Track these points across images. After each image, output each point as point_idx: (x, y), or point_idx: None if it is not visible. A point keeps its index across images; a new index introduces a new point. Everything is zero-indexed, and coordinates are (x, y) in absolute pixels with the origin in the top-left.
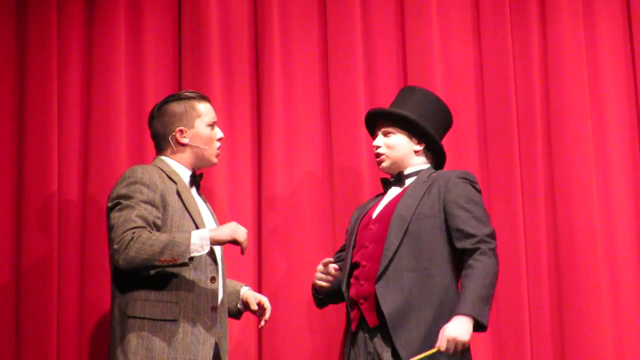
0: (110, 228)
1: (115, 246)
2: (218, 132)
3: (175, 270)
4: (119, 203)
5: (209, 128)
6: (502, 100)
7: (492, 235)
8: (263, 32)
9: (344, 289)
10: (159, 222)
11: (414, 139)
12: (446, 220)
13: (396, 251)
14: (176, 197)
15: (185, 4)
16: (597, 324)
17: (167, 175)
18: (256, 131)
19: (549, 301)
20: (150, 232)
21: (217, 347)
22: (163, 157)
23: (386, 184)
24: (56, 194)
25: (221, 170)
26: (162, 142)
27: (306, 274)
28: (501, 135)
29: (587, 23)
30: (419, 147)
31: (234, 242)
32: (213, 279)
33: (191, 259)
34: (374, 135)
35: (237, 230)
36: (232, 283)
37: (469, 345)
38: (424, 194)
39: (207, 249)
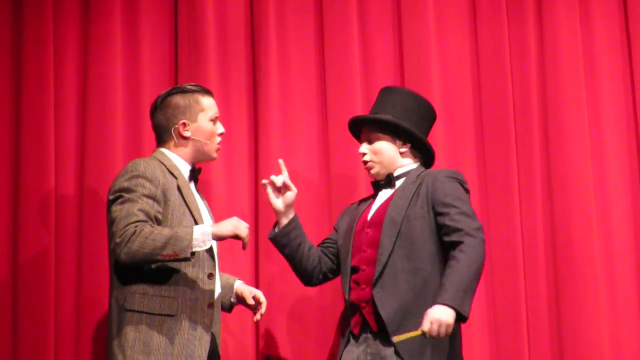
0: (111, 221)
1: (117, 240)
2: (220, 127)
3: (174, 265)
4: (121, 196)
5: (211, 123)
6: (499, 95)
7: (479, 229)
8: (259, 26)
9: (346, 294)
10: (160, 216)
11: (397, 141)
12: (436, 219)
13: (390, 255)
14: (177, 192)
15: None
16: (593, 316)
17: (167, 169)
18: (253, 125)
19: (546, 294)
20: (152, 227)
21: (214, 343)
22: (163, 150)
23: (377, 187)
24: (53, 188)
25: (218, 164)
26: (164, 135)
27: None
28: (498, 130)
29: (584, 16)
30: (405, 149)
31: (236, 237)
32: (210, 276)
33: (193, 254)
34: (360, 141)
35: (239, 226)
36: (225, 277)
37: (460, 336)
38: (414, 194)
39: (209, 244)
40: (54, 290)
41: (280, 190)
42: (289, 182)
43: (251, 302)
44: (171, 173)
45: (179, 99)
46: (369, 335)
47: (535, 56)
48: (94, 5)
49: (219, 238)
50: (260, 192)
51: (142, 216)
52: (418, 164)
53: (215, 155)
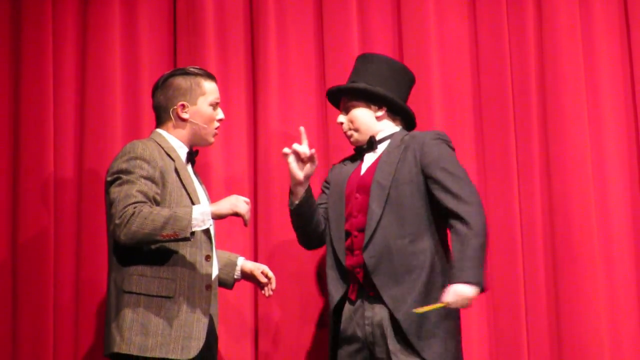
0: (110, 202)
1: (117, 221)
2: (219, 113)
3: (172, 247)
4: (119, 178)
5: (211, 107)
6: (498, 76)
7: (473, 193)
8: (258, 8)
9: (341, 259)
10: (158, 198)
11: (372, 106)
12: (426, 184)
13: (379, 220)
14: (174, 174)
15: None
16: (591, 299)
17: (165, 151)
18: (252, 107)
19: (544, 276)
20: (151, 207)
21: (212, 325)
22: (161, 131)
23: (360, 152)
24: (52, 170)
25: (217, 146)
26: (162, 115)
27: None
28: (496, 111)
29: None
30: (381, 112)
31: (236, 214)
32: (208, 257)
33: (192, 233)
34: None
35: (238, 204)
36: (226, 254)
37: (458, 311)
38: (400, 159)
39: (208, 224)
40: (53, 271)
41: (304, 160)
42: (313, 154)
43: (263, 279)
44: (169, 155)
45: (180, 81)
46: (365, 300)
47: (533, 37)
48: None
49: (218, 217)
50: (259, 172)
51: (141, 197)
52: (400, 127)
53: (212, 140)
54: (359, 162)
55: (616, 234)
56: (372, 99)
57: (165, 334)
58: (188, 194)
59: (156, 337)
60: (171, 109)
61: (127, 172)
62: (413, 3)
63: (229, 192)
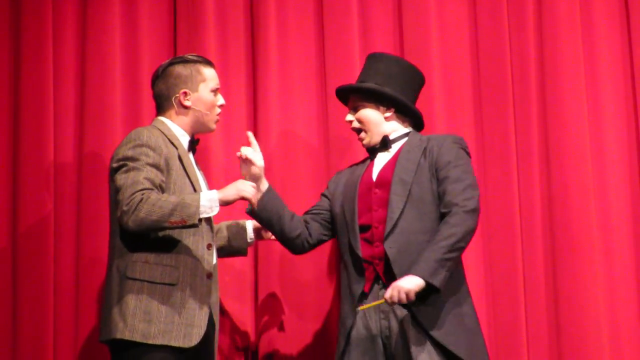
0: (117, 189)
1: (125, 208)
2: (220, 99)
3: (175, 235)
4: (125, 165)
5: (212, 94)
6: (497, 62)
7: (470, 199)
8: None
9: (357, 251)
10: (164, 185)
11: (381, 107)
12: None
13: (401, 214)
14: (178, 162)
15: None
16: (590, 284)
17: (168, 139)
18: (252, 94)
19: (543, 261)
20: (159, 194)
21: (211, 313)
22: (163, 119)
23: (373, 152)
24: (52, 155)
25: (217, 132)
26: (164, 104)
27: None
28: (496, 98)
29: None
30: (389, 113)
31: (242, 199)
32: (209, 246)
33: (200, 220)
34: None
35: (244, 188)
36: (233, 222)
37: (470, 300)
38: (421, 157)
39: (216, 211)
40: (54, 258)
41: (245, 162)
42: (251, 156)
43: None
44: (172, 143)
45: (180, 69)
46: (380, 292)
47: (533, 23)
48: None
49: (226, 203)
50: None
51: (148, 184)
52: (410, 128)
53: (214, 126)
54: (369, 162)
55: (615, 223)
56: (381, 100)
57: (168, 321)
58: (191, 183)
59: (159, 324)
60: (173, 97)
61: (133, 159)
62: None
63: (227, 181)
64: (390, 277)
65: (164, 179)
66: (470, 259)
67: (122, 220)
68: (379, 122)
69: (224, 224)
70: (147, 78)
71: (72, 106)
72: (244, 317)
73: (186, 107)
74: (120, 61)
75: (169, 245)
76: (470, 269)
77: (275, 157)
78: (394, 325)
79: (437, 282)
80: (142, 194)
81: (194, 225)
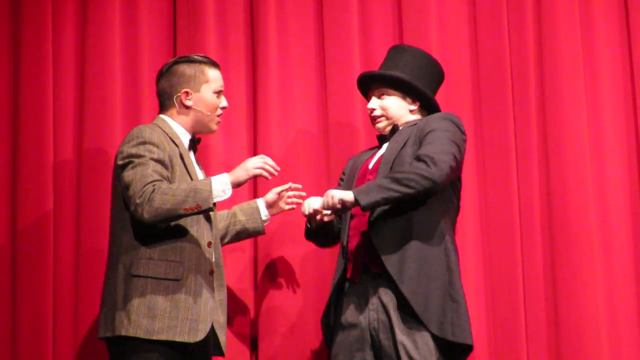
0: (126, 186)
1: (138, 200)
2: (223, 101)
3: (178, 231)
4: (131, 162)
5: (214, 95)
6: (497, 62)
7: (433, 159)
8: None
9: (344, 241)
10: (169, 180)
11: (408, 99)
12: None
13: None
14: (179, 160)
15: None
16: (589, 280)
17: (169, 137)
18: (251, 89)
19: (542, 257)
20: (169, 184)
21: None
22: (164, 117)
23: (382, 140)
24: (52, 155)
25: (217, 133)
26: (166, 102)
27: (301, 230)
28: (495, 97)
29: None
30: (414, 107)
31: (254, 177)
32: (210, 244)
33: (214, 204)
34: (367, 97)
35: (253, 165)
36: (245, 204)
37: (460, 284)
38: (409, 137)
39: (229, 193)
40: (53, 254)
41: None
42: (318, 207)
43: (290, 204)
44: (173, 141)
45: (185, 68)
46: (368, 281)
47: (532, 18)
48: None
49: (237, 184)
50: (259, 154)
51: (157, 176)
52: None
53: (215, 127)
54: (376, 149)
55: (614, 220)
56: (409, 92)
57: (172, 316)
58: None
59: (163, 320)
60: (175, 96)
61: (138, 155)
62: None
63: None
64: (376, 261)
65: (169, 174)
66: (470, 257)
67: (136, 214)
68: (404, 113)
69: (236, 208)
70: (147, 77)
71: (71, 105)
72: (244, 312)
73: (187, 107)
74: (120, 60)
75: (173, 241)
76: (470, 267)
77: (276, 154)
78: (382, 317)
79: (363, 201)
80: (153, 185)
81: (209, 210)
